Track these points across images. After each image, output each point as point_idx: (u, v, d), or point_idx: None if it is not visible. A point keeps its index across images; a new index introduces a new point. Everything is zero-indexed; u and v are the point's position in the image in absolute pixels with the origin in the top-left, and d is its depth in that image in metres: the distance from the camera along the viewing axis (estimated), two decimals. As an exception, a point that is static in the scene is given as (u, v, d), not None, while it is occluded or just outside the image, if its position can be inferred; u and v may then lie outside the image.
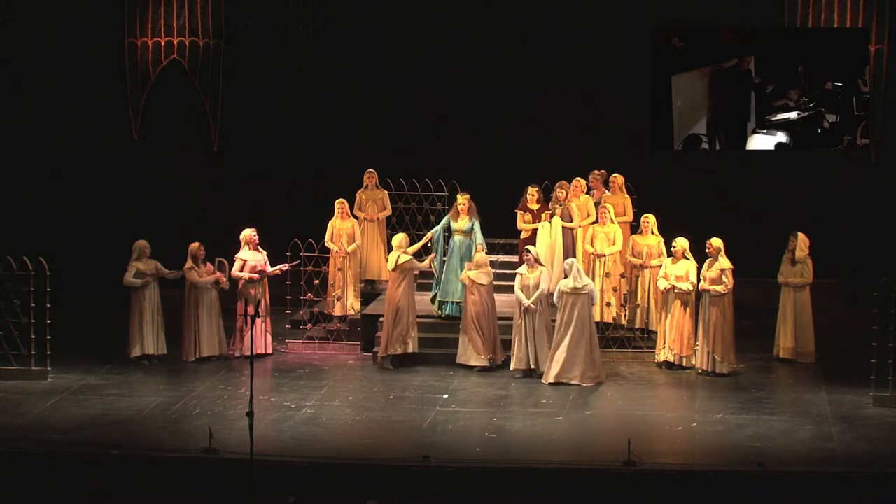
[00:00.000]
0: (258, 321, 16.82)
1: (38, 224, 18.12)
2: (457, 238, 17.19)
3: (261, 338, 17.03)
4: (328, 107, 20.86)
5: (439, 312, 17.27)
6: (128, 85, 18.23)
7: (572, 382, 15.82)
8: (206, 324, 16.89)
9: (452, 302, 17.13)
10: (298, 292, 17.60)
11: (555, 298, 16.06)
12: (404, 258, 16.61)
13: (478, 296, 16.47)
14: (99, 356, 16.90)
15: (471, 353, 16.47)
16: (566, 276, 16.06)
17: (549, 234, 17.35)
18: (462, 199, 17.21)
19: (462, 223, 17.18)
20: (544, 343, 16.09)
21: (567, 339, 15.87)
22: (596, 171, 18.33)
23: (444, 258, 17.26)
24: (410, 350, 16.68)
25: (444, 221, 17.40)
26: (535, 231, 17.42)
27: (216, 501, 12.91)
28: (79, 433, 13.96)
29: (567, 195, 17.55)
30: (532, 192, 17.50)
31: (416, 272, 16.79)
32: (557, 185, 17.62)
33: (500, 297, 17.05)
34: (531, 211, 17.48)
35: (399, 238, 16.84)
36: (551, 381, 15.87)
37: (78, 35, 18.55)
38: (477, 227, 17.15)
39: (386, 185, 18.93)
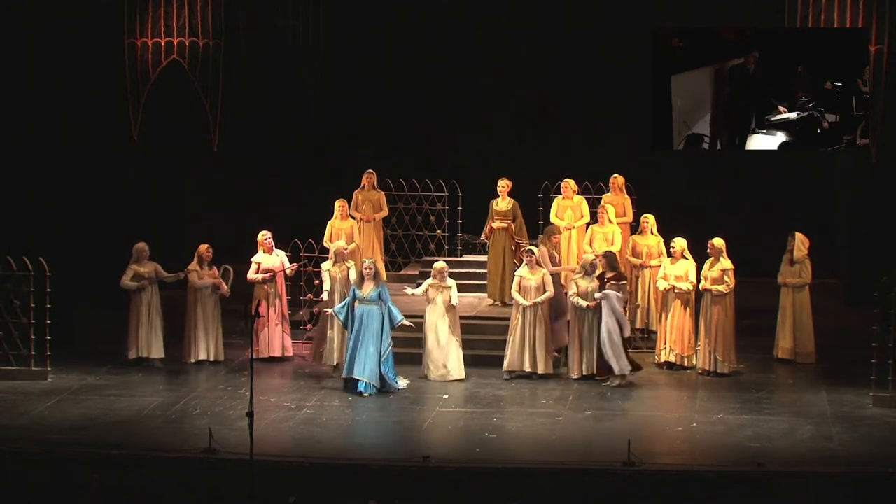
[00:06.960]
0: (275, 325, 16.81)
1: (38, 224, 18.11)
2: (363, 308, 15.60)
3: (277, 340, 17.00)
4: (328, 108, 20.85)
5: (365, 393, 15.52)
6: (128, 85, 18.22)
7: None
8: (201, 327, 16.79)
9: (363, 381, 15.46)
10: (298, 292, 17.58)
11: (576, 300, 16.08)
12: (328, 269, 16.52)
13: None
14: (99, 356, 16.90)
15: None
16: (589, 273, 16.06)
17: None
18: (368, 264, 15.79)
19: (367, 291, 15.66)
20: (543, 346, 16.07)
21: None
22: (505, 179, 18.08)
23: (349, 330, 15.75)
24: (333, 363, 16.24)
25: (350, 293, 15.80)
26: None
27: (216, 501, 12.91)
28: (79, 433, 13.96)
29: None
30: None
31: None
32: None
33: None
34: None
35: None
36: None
37: (78, 35, 18.54)
38: (385, 293, 15.71)
39: (385, 185, 18.90)
